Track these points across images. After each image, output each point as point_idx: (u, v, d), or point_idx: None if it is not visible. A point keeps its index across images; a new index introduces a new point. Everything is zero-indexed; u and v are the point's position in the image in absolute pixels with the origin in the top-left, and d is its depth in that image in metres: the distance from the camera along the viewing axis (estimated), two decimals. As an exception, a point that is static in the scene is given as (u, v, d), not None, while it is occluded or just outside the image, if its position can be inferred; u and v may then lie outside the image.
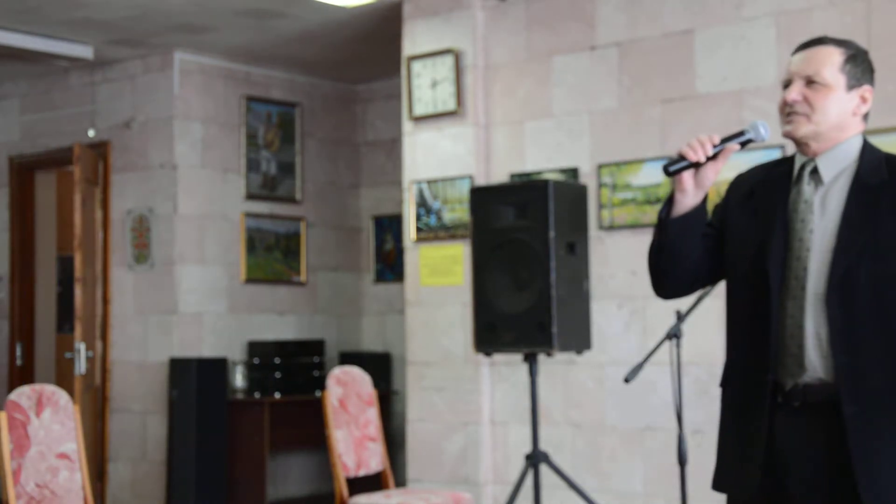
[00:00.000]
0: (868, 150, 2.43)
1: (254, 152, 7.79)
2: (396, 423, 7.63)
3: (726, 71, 5.30)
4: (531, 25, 6.04)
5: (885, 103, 4.80)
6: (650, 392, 5.37)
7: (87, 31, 6.94)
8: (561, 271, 4.98)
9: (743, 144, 2.48)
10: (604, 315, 5.64)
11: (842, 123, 2.42)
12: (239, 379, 7.42)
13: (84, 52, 7.26)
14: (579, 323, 5.11)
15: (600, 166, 5.72)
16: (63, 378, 7.74)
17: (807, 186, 2.44)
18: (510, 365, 5.94)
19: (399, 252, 7.87)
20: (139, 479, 7.36)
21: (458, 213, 6.16)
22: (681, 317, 4.15)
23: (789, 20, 5.12)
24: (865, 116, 2.47)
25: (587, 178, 5.74)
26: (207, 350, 7.38)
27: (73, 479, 4.24)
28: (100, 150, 7.63)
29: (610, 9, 5.74)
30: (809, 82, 2.43)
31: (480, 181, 6.10)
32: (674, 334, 4.12)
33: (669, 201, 2.51)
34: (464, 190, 6.08)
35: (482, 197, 5.22)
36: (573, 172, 5.81)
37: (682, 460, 4.16)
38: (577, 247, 5.12)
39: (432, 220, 6.28)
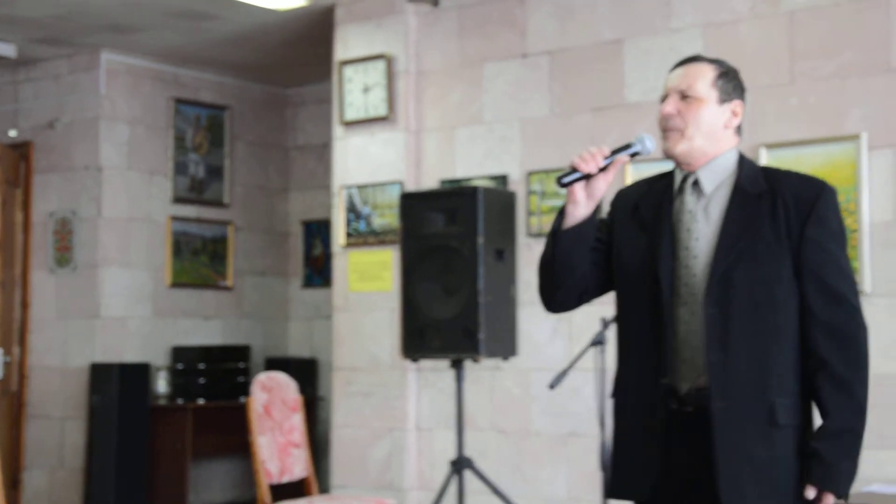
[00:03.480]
0: (745, 163, 2.55)
1: (182, 155, 7.69)
2: (322, 429, 7.58)
3: (655, 81, 5.36)
4: (463, 32, 6.05)
5: (807, 115, 4.89)
6: (575, 398, 5.40)
7: (11, 29, 6.80)
8: (489, 278, 4.98)
9: (631, 156, 2.57)
10: (531, 322, 5.65)
11: (714, 135, 2.51)
12: (162, 385, 7.31)
13: (7, 50, 7.10)
14: (506, 329, 5.12)
15: (530, 173, 5.74)
16: (-21, 383, 7.55)
17: (689, 197, 2.53)
18: (437, 371, 5.93)
19: (328, 257, 7.82)
20: (56, 486, 7.20)
21: (388, 218, 6.14)
22: (606, 324, 4.18)
23: (716, 32, 5.20)
24: (739, 130, 2.57)
25: (517, 186, 5.76)
26: (130, 355, 7.26)
27: (-14, 483, 4.12)
28: (21, 151, 7.47)
29: (541, 17, 5.78)
30: (684, 96, 2.51)
31: (410, 187, 6.09)
32: (598, 341, 4.15)
33: (561, 214, 2.57)
34: (394, 195, 6.06)
35: (412, 203, 5.21)
36: (503, 179, 5.82)
37: (604, 466, 4.18)
38: (505, 253, 5.13)
39: (362, 226, 6.26)
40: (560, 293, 2.70)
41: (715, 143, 2.52)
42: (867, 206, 4.71)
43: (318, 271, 8.19)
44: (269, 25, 6.79)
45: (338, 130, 6.38)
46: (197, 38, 7.02)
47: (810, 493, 2.40)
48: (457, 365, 5.08)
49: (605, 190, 2.54)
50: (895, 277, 4.66)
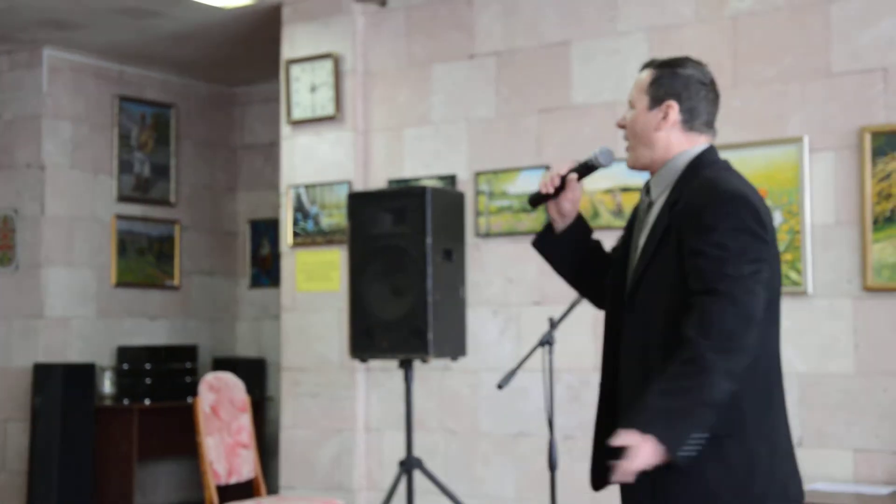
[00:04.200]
0: (691, 170, 2.47)
1: (126, 153, 7.61)
2: (270, 429, 7.55)
3: (601, 83, 5.42)
4: (411, 33, 6.06)
5: (752, 117, 4.97)
6: (523, 398, 5.44)
7: (-49, 24, 6.69)
8: (437, 278, 5.00)
9: (588, 171, 2.64)
10: (479, 322, 5.68)
11: (649, 141, 2.50)
12: (107, 385, 7.24)
13: (-53, 45, 6.99)
14: (455, 329, 5.14)
15: (477, 174, 5.76)
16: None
17: (643, 203, 2.57)
18: (386, 371, 5.94)
19: (275, 257, 7.79)
20: (-1, 489, 7.10)
21: (336, 218, 6.13)
22: (553, 324, 4.21)
23: (660, 35, 5.26)
24: (692, 129, 2.50)
25: (464, 186, 5.78)
26: (74, 355, 7.18)
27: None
28: (-37, 148, 7.35)
29: (489, 18, 5.80)
30: (630, 108, 2.57)
31: (358, 187, 6.08)
32: (546, 341, 4.18)
33: (546, 228, 2.74)
34: (341, 195, 6.06)
35: (360, 202, 5.21)
36: (451, 180, 5.84)
37: (552, 465, 4.22)
38: (453, 254, 5.15)
39: (309, 226, 6.24)
40: (587, 295, 2.82)
41: (653, 148, 2.51)
42: (809, 208, 4.80)
43: (266, 271, 8.15)
44: (215, 23, 6.74)
45: (285, 130, 6.36)
46: (142, 35, 6.95)
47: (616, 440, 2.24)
48: (405, 365, 5.09)
49: (570, 206, 2.65)
50: (836, 279, 4.75)
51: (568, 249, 2.71)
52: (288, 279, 6.31)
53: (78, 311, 7.27)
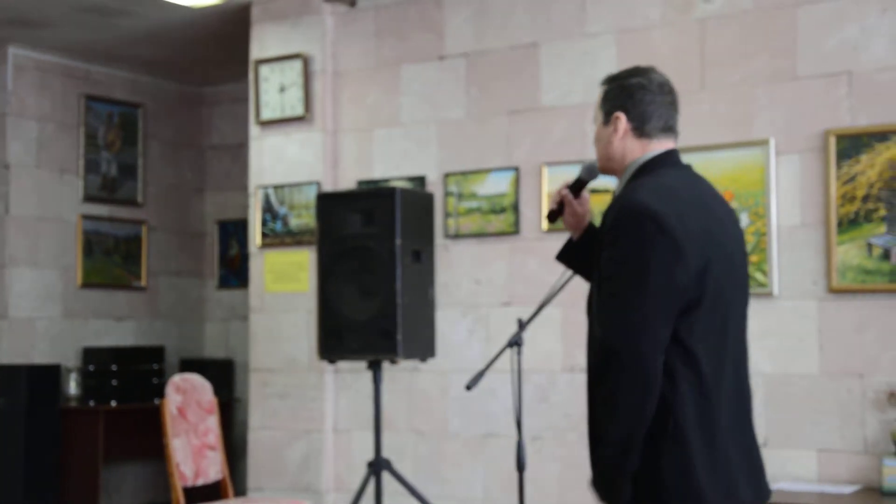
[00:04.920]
0: (635, 176, 2.56)
1: (93, 153, 7.56)
2: (238, 431, 7.52)
3: (570, 84, 5.44)
4: (380, 34, 6.06)
5: (719, 120, 5.01)
6: (492, 399, 5.45)
7: (-85, 21, 6.61)
8: (406, 279, 5.00)
9: (580, 186, 2.81)
10: (448, 323, 5.69)
11: (609, 153, 2.63)
12: (73, 386, 7.18)
13: (-90, 43, 6.91)
14: (424, 331, 5.14)
15: (447, 175, 5.77)
16: None
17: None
18: (354, 372, 5.93)
19: (244, 258, 7.76)
20: (-37, 491, 7.02)
21: (305, 219, 6.12)
22: (522, 325, 4.22)
23: (629, 38, 5.29)
24: (644, 135, 2.58)
25: (434, 187, 5.78)
26: (39, 357, 7.12)
27: None
28: (-74, 147, 7.26)
29: (458, 20, 5.81)
30: (594, 124, 2.70)
31: (327, 187, 6.07)
32: (515, 342, 4.18)
33: (567, 241, 2.91)
34: (310, 196, 6.04)
35: (329, 203, 5.20)
36: (420, 181, 5.85)
37: (520, 466, 4.22)
38: (422, 255, 5.15)
39: (278, 226, 6.22)
40: None
41: (613, 159, 2.62)
42: (775, 210, 4.84)
43: (234, 272, 8.12)
44: (183, 23, 6.71)
45: (254, 130, 6.34)
46: (109, 34, 6.90)
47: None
48: (374, 366, 5.08)
49: (575, 220, 2.82)
50: (802, 280, 4.79)
51: (582, 256, 2.82)
52: (256, 280, 6.29)
53: (43, 312, 7.21)
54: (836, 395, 4.67)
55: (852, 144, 4.68)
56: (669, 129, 2.59)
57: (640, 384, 2.33)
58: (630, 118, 2.57)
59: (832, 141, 4.71)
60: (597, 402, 2.44)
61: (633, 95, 2.58)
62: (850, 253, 4.66)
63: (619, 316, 2.36)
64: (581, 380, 4.74)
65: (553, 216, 2.88)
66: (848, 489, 4.47)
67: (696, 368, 2.39)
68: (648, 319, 2.33)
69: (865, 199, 4.65)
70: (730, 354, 2.47)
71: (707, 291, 2.39)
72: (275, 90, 6.24)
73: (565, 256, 2.90)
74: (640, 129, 2.57)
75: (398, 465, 5.35)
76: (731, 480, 2.41)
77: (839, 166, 4.70)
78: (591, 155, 5.12)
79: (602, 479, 2.43)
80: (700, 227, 2.41)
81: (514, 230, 5.54)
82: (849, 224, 4.67)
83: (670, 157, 2.57)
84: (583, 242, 2.82)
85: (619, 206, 2.44)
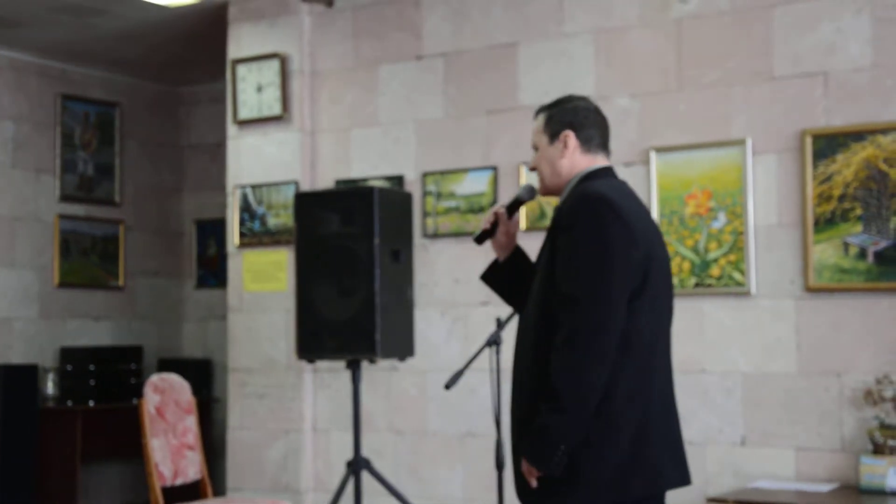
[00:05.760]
0: (580, 182, 2.81)
1: (70, 153, 7.52)
2: (217, 431, 7.49)
3: (548, 84, 5.45)
4: (358, 33, 6.05)
5: (696, 120, 5.03)
6: (471, 398, 5.45)
7: None
8: (385, 279, 5.00)
9: (516, 206, 3.00)
10: (427, 322, 5.69)
11: (556, 169, 2.86)
12: (50, 387, 7.14)
13: None
14: (403, 330, 5.14)
15: (425, 175, 5.77)
16: None
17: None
18: (333, 372, 5.93)
19: (222, 257, 7.74)
20: (-61, 493, 6.97)
21: (283, 218, 6.11)
22: (501, 324, 4.22)
23: (607, 38, 5.30)
24: (589, 151, 2.85)
25: (412, 187, 5.78)
26: (16, 357, 7.08)
27: None
28: None
29: (436, 20, 5.81)
30: (535, 149, 2.92)
31: (306, 187, 6.06)
32: (494, 341, 4.18)
33: (492, 262, 3.07)
34: (289, 195, 6.03)
35: (307, 203, 5.19)
36: (398, 180, 5.85)
37: (499, 465, 4.22)
38: (401, 254, 5.15)
39: (256, 226, 6.21)
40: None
41: (561, 175, 2.85)
42: (752, 209, 4.87)
43: (213, 272, 8.09)
44: (160, 22, 6.68)
45: (231, 129, 6.32)
46: (85, 33, 6.86)
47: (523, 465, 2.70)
48: (353, 366, 5.08)
49: (505, 239, 2.98)
50: (779, 279, 4.82)
51: (510, 278, 3.01)
52: (235, 279, 6.28)
53: (20, 312, 7.17)
54: (813, 394, 4.71)
55: (828, 144, 4.71)
56: (606, 148, 2.89)
57: (603, 357, 2.54)
58: (578, 136, 2.84)
59: (808, 141, 4.74)
60: (558, 373, 2.56)
61: (578, 115, 2.86)
62: (826, 252, 4.69)
63: (584, 294, 2.56)
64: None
65: (484, 237, 3.01)
66: (826, 487, 4.50)
67: (633, 355, 2.60)
68: (612, 296, 2.55)
69: (842, 198, 4.68)
70: (661, 347, 2.71)
71: (649, 283, 2.63)
72: (252, 90, 6.22)
73: (490, 277, 3.07)
74: (587, 145, 2.84)
75: (378, 465, 5.35)
76: (659, 464, 2.63)
77: (816, 166, 4.73)
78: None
79: (544, 447, 2.58)
80: (643, 225, 2.69)
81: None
82: (825, 223, 4.70)
83: (611, 171, 2.86)
84: (508, 264, 3.01)
85: (577, 196, 2.70)
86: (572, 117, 2.85)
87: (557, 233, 2.68)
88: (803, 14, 4.83)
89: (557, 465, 2.57)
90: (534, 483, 2.67)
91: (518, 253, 3.04)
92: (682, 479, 2.74)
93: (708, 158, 4.96)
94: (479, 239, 3.04)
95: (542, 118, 2.90)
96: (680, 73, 5.10)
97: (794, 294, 4.78)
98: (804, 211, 4.75)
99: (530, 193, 3.01)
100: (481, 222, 3.05)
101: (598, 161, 2.85)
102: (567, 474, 2.58)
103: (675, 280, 5.00)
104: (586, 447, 2.57)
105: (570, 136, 2.83)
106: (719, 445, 4.88)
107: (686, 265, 5.00)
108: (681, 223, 5.00)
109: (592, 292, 2.55)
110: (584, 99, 2.92)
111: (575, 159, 2.83)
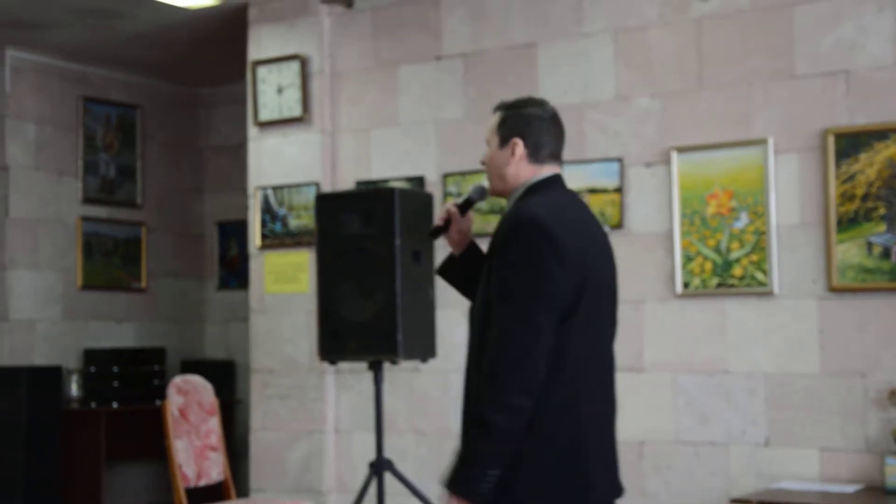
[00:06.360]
0: (524, 195, 2.80)
1: (92, 155, 7.56)
2: (240, 432, 7.52)
3: (567, 85, 5.44)
4: (378, 34, 6.06)
5: (716, 119, 5.01)
6: (493, 399, 5.44)
7: (-88, 25, 6.61)
8: (406, 279, 5.00)
9: (468, 205, 3.03)
10: (448, 323, 5.69)
11: (501, 175, 2.86)
12: (74, 388, 7.19)
13: None
14: (424, 331, 5.14)
15: (445, 175, 5.77)
16: None
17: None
18: (355, 373, 5.94)
19: (243, 259, 7.76)
20: (-35, 494, 7.03)
21: (304, 219, 6.12)
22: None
23: (626, 38, 5.29)
24: (537, 161, 2.82)
25: (432, 187, 5.78)
26: (40, 358, 7.12)
27: None
28: (-75, 150, 7.26)
29: (455, 21, 5.81)
30: (488, 146, 2.91)
31: (326, 188, 6.08)
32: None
33: (447, 257, 3.10)
34: (309, 197, 6.05)
35: (328, 204, 5.20)
36: (419, 181, 5.85)
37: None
38: (422, 255, 5.15)
39: (277, 227, 6.23)
40: None
41: (505, 181, 2.85)
42: (774, 209, 4.85)
43: (234, 273, 8.12)
44: (180, 24, 6.71)
45: (252, 131, 6.34)
46: (106, 36, 6.90)
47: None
48: (375, 367, 5.08)
49: (458, 237, 3.02)
50: (801, 279, 4.80)
51: (465, 273, 3.03)
52: (256, 281, 6.29)
53: (43, 314, 7.22)
54: (837, 395, 4.68)
55: (851, 143, 4.68)
56: (557, 157, 2.86)
57: (530, 382, 2.55)
58: (526, 145, 2.81)
59: (831, 140, 4.72)
60: (486, 403, 2.58)
61: (531, 124, 2.83)
62: (849, 252, 4.67)
63: (512, 316, 2.58)
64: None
65: (437, 232, 3.07)
66: (850, 488, 4.47)
67: (565, 374, 2.61)
68: (539, 321, 2.57)
69: (865, 197, 4.65)
70: (599, 362, 2.73)
71: (582, 303, 2.64)
72: (273, 91, 6.24)
73: (446, 271, 3.10)
74: (535, 155, 2.82)
75: (400, 466, 5.35)
76: (591, 479, 2.65)
77: (838, 165, 4.71)
78: (589, 152, 5.14)
79: (471, 472, 2.57)
80: (581, 244, 2.68)
81: (514, 230, 5.54)
82: (848, 223, 4.68)
83: (557, 181, 2.84)
84: (464, 259, 3.05)
85: (512, 218, 2.69)
86: (524, 126, 2.83)
87: (494, 252, 2.71)
88: (824, 12, 4.80)
89: (484, 492, 2.57)
90: None
91: (473, 248, 3.07)
92: (614, 493, 2.77)
93: (729, 158, 4.94)
94: (433, 234, 3.11)
95: (497, 118, 2.88)
96: (700, 72, 5.08)
97: (817, 294, 4.75)
98: (827, 210, 4.73)
99: (481, 194, 3.04)
100: (435, 219, 3.08)
101: (544, 170, 2.83)
102: (499, 491, 2.58)
103: (698, 280, 4.99)
104: (518, 463, 2.58)
105: (519, 145, 2.82)
106: (743, 446, 4.86)
107: (708, 265, 4.98)
108: (702, 223, 4.99)
109: (520, 317, 2.57)
110: (541, 105, 2.90)
111: (521, 168, 2.82)
